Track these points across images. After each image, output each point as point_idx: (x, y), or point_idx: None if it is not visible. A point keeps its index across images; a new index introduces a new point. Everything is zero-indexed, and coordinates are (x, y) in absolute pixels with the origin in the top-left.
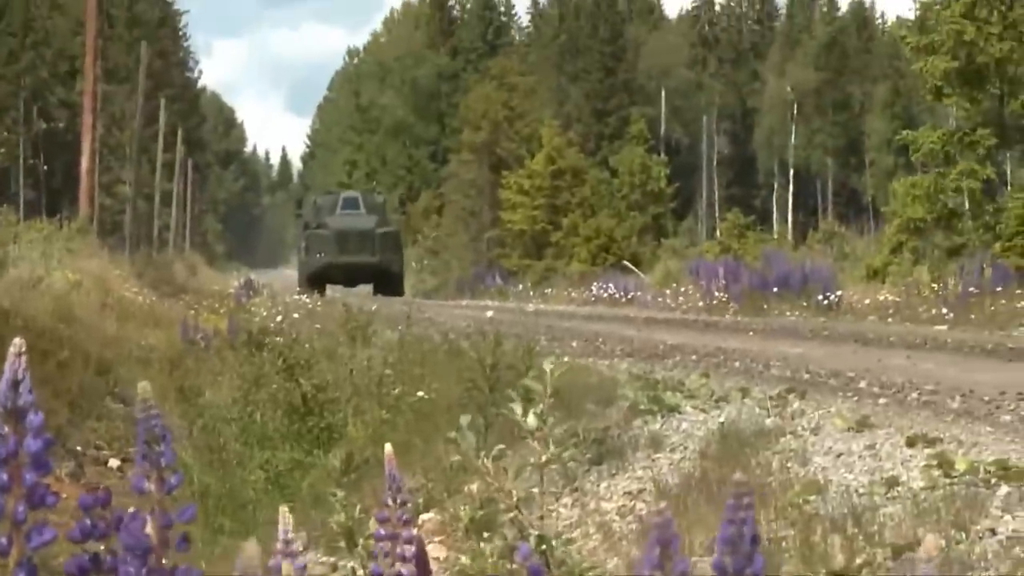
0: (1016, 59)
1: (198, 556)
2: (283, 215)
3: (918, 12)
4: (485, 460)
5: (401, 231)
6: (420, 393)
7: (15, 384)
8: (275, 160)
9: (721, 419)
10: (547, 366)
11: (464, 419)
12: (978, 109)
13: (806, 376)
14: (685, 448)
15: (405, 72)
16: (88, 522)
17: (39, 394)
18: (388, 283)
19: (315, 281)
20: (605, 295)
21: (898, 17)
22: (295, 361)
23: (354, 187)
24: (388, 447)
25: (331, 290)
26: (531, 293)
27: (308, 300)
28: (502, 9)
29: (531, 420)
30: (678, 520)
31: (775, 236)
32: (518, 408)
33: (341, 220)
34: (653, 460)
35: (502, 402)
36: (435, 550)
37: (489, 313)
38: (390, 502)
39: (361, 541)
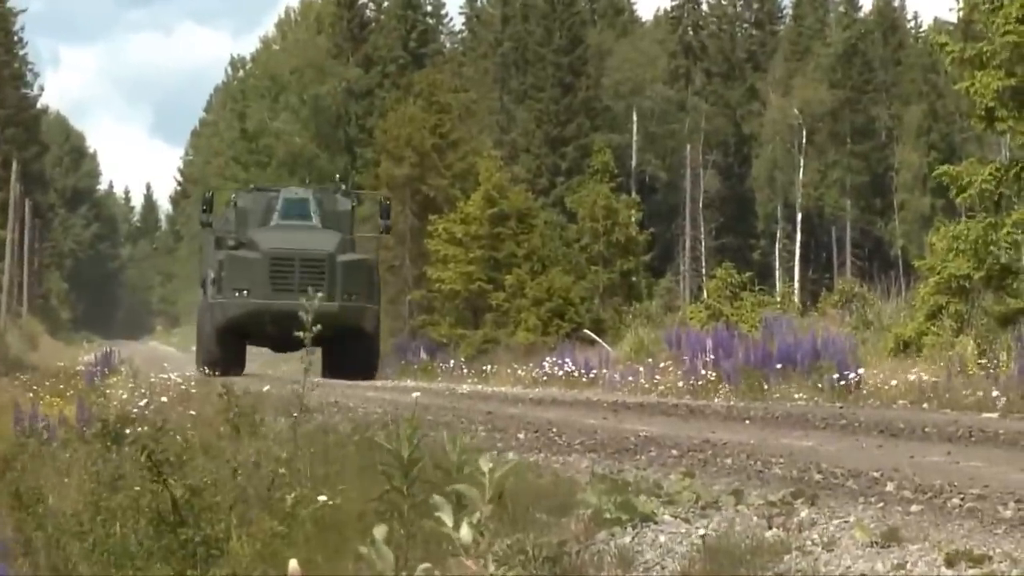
0: None
1: None
2: (147, 271)
3: (961, 13)
4: None
5: (377, 261)
6: (323, 498)
7: None
8: (137, 201)
9: (708, 531)
10: (486, 464)
11: (379, 531)
12: None
13: (818, 476)
14: (663, 568)
15: (304, 88)
16: None
17: None
18: (353, 351)
19: (228, 339)
20: (560, 373)
21: (936, 20)
22: (164, 458)
23: None
24: (293, 564)
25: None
26: (466, 370)
27: (180, 379)
28: (428, 8)
29: (464, 532)
30: None
31: (778, 298)
32: (448, 517)
33: (279, 236)
34: None
35: (429, 509)
36: None
37: (415, 395)
38: None
39: None
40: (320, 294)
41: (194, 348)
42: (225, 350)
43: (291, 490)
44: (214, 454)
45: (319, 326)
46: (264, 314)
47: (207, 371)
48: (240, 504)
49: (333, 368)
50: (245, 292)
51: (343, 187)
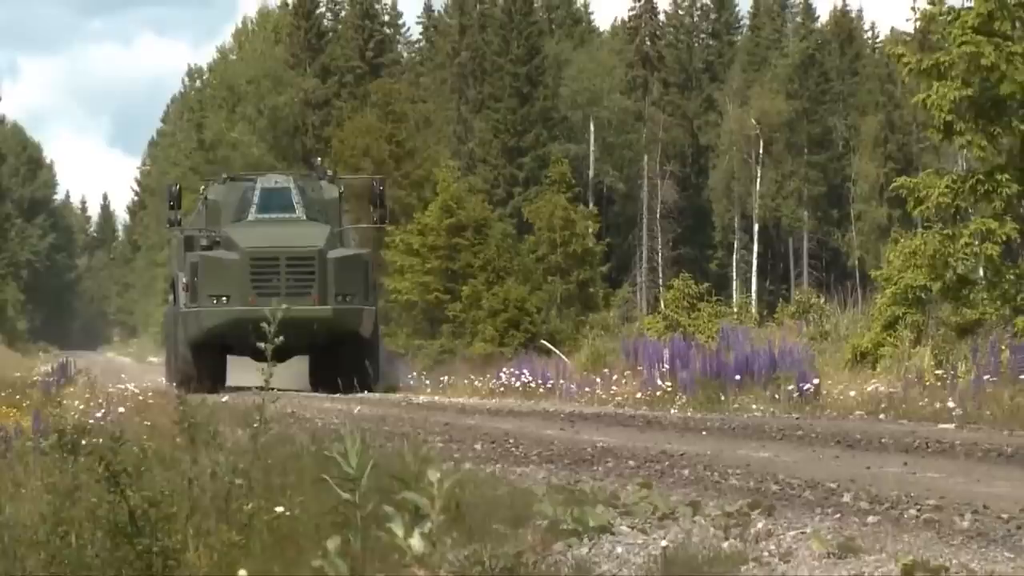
0: None
1: None
2: (104, 281)
3: (918, 24)
4: None
5: (371, 256)
6: (280, 509)
7: None
8: (94, 211)
9: (665, 542)
10: (434, 475)
11: (332, 543)
12: (996, 149)
13: (775, 487)
14: None
15: (261, 98)
16: None
17: None
18: (350, 358)
19: (205, 353)
20: (517, 384)
21: (892, 30)
22: (121, 468)
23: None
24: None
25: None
26: (423, 381)
27: (137, 390)
28: (386, 18)
29: (416, 542)
30: None
31: (735, 309)
32: (399, 527)
33: (259, 232)
34: None
35: (383, 520)
36: None
37: (356, 408)
38: None
39: None
40: (310, 296)
41: (152, 359)
42: (201, 365)
43: (248, 501)
44: (170, 465)
45: (311, 332)
46: (246, 323)
47: (180, 389)
48: (197, 515)
49: (324, 379)
50: (224, 299)
51: (328, 172)
